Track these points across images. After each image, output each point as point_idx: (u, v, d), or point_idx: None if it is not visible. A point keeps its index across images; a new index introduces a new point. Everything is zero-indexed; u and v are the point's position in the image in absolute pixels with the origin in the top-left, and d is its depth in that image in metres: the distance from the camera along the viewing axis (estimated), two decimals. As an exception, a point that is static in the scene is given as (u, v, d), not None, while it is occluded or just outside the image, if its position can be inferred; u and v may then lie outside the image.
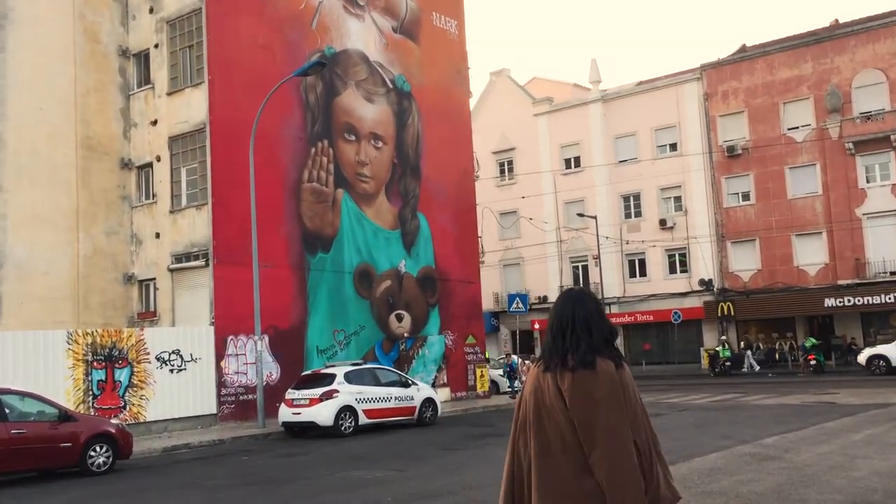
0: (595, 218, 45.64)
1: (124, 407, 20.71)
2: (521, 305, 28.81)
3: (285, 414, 20.32)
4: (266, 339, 23.96)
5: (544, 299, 50.49)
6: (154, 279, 24.77)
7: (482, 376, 30.43)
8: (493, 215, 51.43)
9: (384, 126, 28.71)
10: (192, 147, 24.26)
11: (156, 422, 21.28)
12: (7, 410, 14.27)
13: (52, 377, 19.25)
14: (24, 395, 14.81)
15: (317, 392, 19.95)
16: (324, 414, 19.66)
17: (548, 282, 50.81)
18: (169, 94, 24.81)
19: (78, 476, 14.53)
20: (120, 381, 20.71)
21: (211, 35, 23.83)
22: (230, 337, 23.13)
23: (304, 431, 20.24)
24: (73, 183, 24.10)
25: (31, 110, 23.38)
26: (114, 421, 15.70)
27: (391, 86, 29.18)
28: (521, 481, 3.42)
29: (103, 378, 20.39)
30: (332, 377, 20.36)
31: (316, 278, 25.73)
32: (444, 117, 31.01)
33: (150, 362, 21.29)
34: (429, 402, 21.96)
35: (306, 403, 19.91)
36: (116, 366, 20.66)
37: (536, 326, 50.49)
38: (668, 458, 3.57)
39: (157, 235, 24.75)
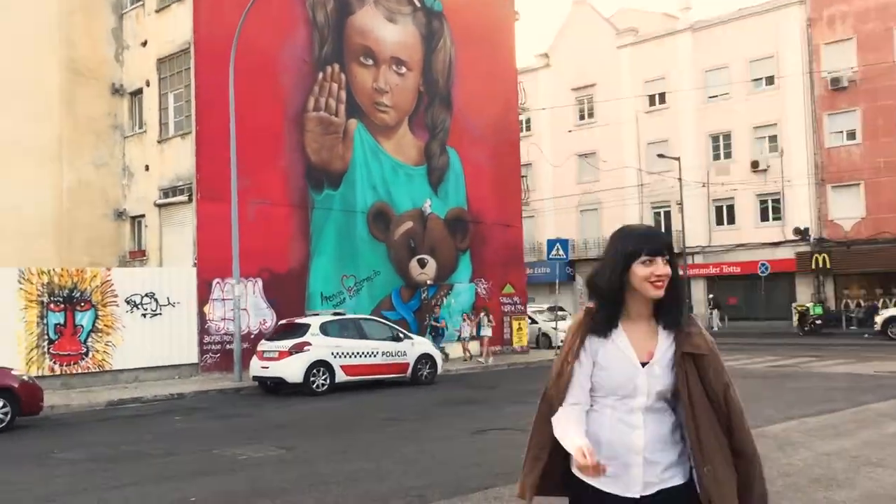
0: (678, 159, 41.48)
1: (86, 353, 18.94)
2: (561, 252, 25.51)
3: (255, 367, 18.11)
4: (259, 283, 21.81)
5: (623, 247, 46.79)
6: (144, 215, 22.84)
7: (520, 329, 27.48)
8: (568, 156, 47.88)
9: (409, 50, 25.67)
10: (178, 70, 21.98)
11: (124, 371, 19.46)
12: None
13: (1, 319, 17.58)
14: None
15: (287, 344, 17.62)
16: (292, 369, 17.34)
17: (627, 229, 46.96)
18: (157, 10, 22.54)
19: (-39, 434, 12.66)
20: (82, 326, 18.91)
21: (196, -57, 21.30)
22: (216, 280, 20.99)
23: (278, 387, 17.98)
24: (55, 110, 22.26)
25: (7, 30, 21.53)
26: (16, 373, 13.72)
27: (418, 4, 26.02)
28: None
29: (62, 321, 18.61)
30: (305, 328, 17.94)
31: (321, 217, 23.24)
32: (483, 41, 27.66)
33: (117, 306, 19.38)
34: (426, 359, 19.31)
35: (275, 356, 17.62)
36: (78, 308, 18.84)
37: (614, 276, 47.06)
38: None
39: (147, 168, 22.75)
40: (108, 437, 12.47)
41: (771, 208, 42.17)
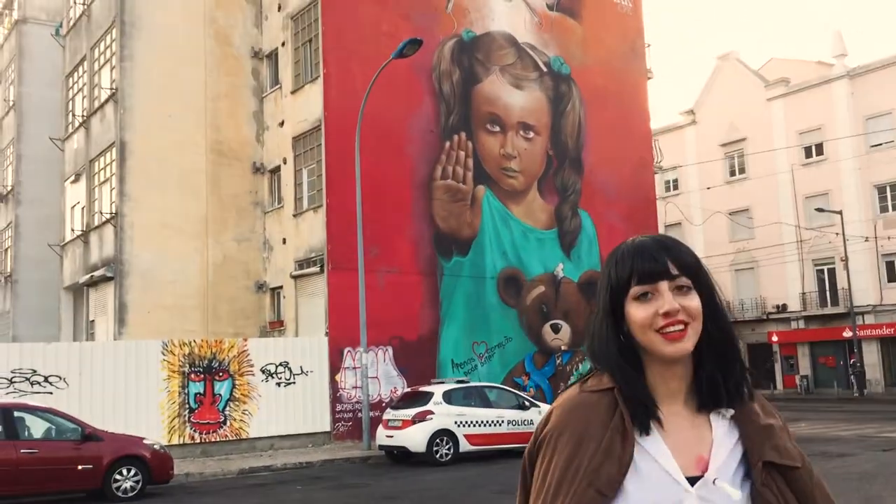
0: (840, 213, 39.19)
1: (224, 422, 19.62)
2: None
3: (381, 436, 18.15)
4: (390, 351, 22.04)
5: (783, 308, 44.34)
6: (282, 287, 23.74)
7: (663, 397, 26.21)
8: (719, 214, 46.16)
9: (536, 114, 25.69)
10: (311, 147, 22.97)
11: (260, 439, 19.99)
12: (20, 428, 13.40)
13: (144, 389, 18.59)
14: (43, 411, 13.86)
15: (410, 413, 17.57)
16: (416, 438, 17.24)
17: (786, 287, 44.46)
18: (293, 92, 23.74)
19: (96, 501, 13.31)
20: (220, 395, 19.65)
21: (327, 26, 22.38)
22: (347, 349, 21.38)
23: (406, 456, 17.91)
24: (202, 189, 23.71)
25: (159, 117, 23.30)
26: (147, 442, 14.35)
27: (545, 69, 26.10)
28: None
29: (201, 391, 19.42)
30: (429, 396, 17.87)
31: (450, 284, 23.33)
32: (613, 101, 27.32)
33: (253, 375, 20.06)
34: (554, 428, 18.67)
35: (399, 425, 17.60)
36: (216, 378, 19.63)
37: (774, 339, 44.56)
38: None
39: (284, 241, 23.72)
40: (228, 505, 12.75)
41: (949, 262, 38.89)
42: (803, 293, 43.64)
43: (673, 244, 1.67)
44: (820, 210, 40.17)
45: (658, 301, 1.61)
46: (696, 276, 1.64)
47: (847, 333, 40.16)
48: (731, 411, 1.65)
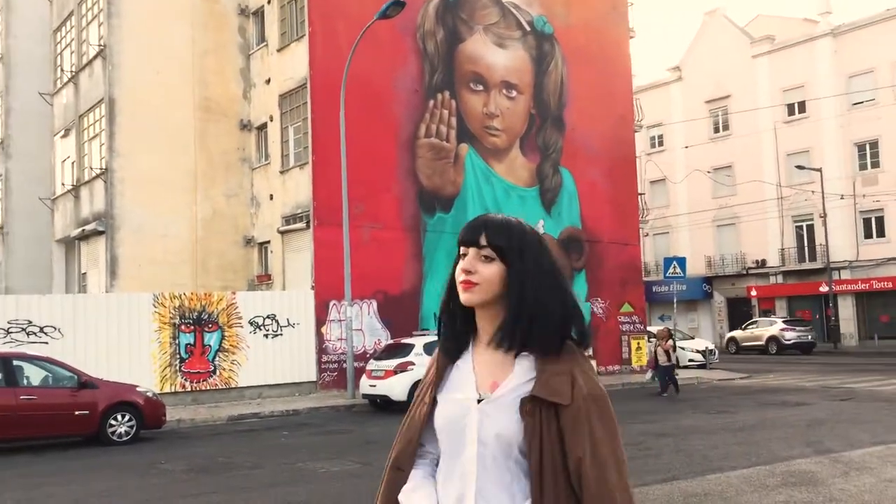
0: (820, 170, 39.96)
1: (214, 371, 20.40)
2: (678, 270, 25.13)
3: (364, 385, 19.00)
4: (374, 304, 22.77)
5: (762, 263, 45.32)
6: (269, 241, 24.38)
7: (639, 349, 27.15)
8: (701, 170, 46.83)
9: (519, 73, 26.12)
10: (297, 104, 23.42)
11: (249, 387, 20.80)
12: (19, 376, 14.11)
13: (136, 340, 19.29)
14: (40, 360, 14.56)
15: (392, 363, 18.38)
16: (397, 388, 18.07)
17: (767, 243, 45.38)
18: (279, 50, 24.11)
19: (87, 445, 14.08)
20: (209, 346, 20.40)
21: (312, -17, 22.67)
22: (333, 302, 22.10)
23: (388, 404, 18.77)
24: (190, 146, 24.19)
25: (147, 74, 23.67)
26: (141, 389, 15.10)
27: (528, 28, 26.46)
28: None
29: (192, 342, 20.16)
30: (410, 348, 18.66)
31: (433, 240, 23.99)
32: (596, 60, 27.74)
33: (241, 327, 20.79)
34: (530, 379, 19.54)
35: (381, 375, 18.43)
36: (206, 330, 20.35)
37: (753, 293, 45.62)
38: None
39: (271, 197, 24.29)
40: (213, 449, 13.53)
41: (924, 219, 39.74)
42: (782, 249, 44.58)
43: (495, 224, 2.08)
44: (800, 167, 40.87)
45: (464, 261, 2.07)
46: (507, 253, 2.04)
47: (823, 288, 41.19)
48: (531, 356, 2.02)
